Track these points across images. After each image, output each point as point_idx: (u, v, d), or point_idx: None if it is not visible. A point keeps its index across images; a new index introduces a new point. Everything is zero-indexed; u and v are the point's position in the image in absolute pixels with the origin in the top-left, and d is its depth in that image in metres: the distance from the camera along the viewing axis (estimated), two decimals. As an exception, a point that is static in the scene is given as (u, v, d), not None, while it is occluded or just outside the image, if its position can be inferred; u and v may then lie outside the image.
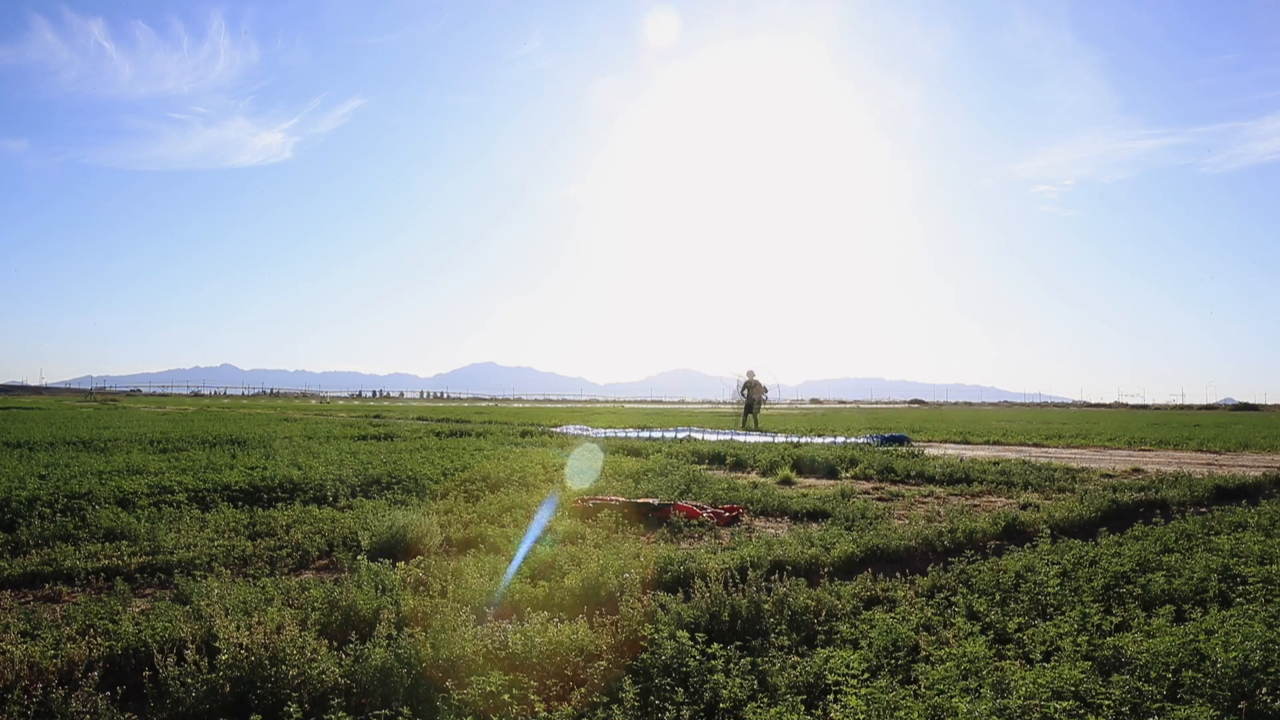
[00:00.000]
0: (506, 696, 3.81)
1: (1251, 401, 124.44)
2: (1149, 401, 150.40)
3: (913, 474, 13.97)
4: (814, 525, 8.95)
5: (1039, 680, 3.78)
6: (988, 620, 5.12)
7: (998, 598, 5.59)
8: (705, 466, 15.23)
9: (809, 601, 5.40)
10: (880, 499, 11.31)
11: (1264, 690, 3.99)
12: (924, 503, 11.03)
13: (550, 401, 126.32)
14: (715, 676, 4.06)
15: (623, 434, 24.48)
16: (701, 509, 9.55)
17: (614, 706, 3.82)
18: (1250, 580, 5.71)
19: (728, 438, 22.60)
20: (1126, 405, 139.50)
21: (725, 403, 34.25)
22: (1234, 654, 4.13)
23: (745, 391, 32.29)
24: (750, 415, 32.04)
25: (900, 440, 21.60)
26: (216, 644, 4.16)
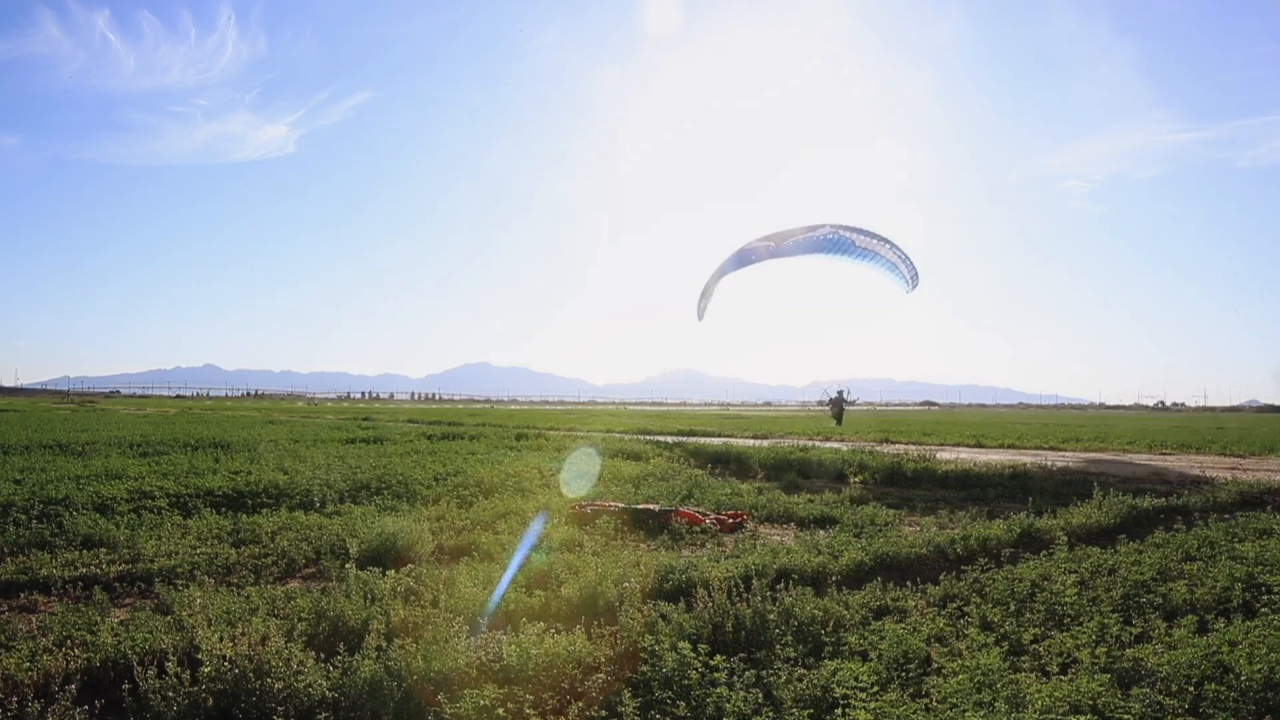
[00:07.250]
0: (501, 711, 3.68)
1: (1278, 404, 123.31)
2: (1170, 403, 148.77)
3: (924, 479, 13.79)
4: (821, 532, 8.80)
5: (1055, 693, 3.67)
6: (1002, 631, 4.98)
7: (1012, 607, 5.44)
8: (707, 471, 15.07)
9: (816, 611, 5.26)
10: (890, 505, 11.13)
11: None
12: (935, 509, 10.85)
13: (547, 403, 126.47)
14: (718, 690, 3.92)
15: (622, 436, 24.36)
16: (704, 515, 9.40)
17: (612, 722, 3.69)
18: (1276, 589, 5.55)
19: (730, 440, 22.47)
20: (1147, 407, 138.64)
21: (820, 403, 44.05)
22: (1259, 666, 4.01)
23: (830, 399, 36.31)
24: (838, 419, 35.62)
25: None
26: (199, 656, 4.04)
